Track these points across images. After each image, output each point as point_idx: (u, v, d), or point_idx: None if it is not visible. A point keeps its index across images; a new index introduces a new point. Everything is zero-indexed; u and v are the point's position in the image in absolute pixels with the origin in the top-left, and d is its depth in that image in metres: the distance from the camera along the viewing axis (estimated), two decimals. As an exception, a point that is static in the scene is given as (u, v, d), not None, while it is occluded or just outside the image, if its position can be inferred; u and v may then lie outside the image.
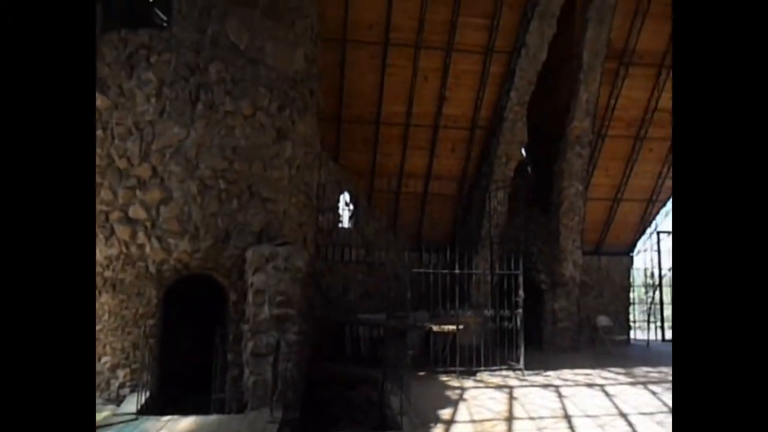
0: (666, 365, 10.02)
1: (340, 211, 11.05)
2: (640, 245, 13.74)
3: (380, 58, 10.04)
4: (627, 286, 13.42)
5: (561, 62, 10.86)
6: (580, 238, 11.69)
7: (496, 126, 10.74)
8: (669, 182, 12.80)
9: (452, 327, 8.98)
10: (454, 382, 8.21)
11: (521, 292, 9.29)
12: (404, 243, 11.23)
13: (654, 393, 7.78)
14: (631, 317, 13.75)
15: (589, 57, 10.41)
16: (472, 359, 8.94)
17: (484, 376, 8.77)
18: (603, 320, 12.20)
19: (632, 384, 8.37)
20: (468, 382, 8.25)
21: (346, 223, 11.24)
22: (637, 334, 13.98)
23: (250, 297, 6.44)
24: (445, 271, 9.16)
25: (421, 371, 8.66)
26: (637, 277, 14.85)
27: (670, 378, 8.88)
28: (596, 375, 8.99)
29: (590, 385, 8.20)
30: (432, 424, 6.03)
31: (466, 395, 7.47)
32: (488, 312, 9.51)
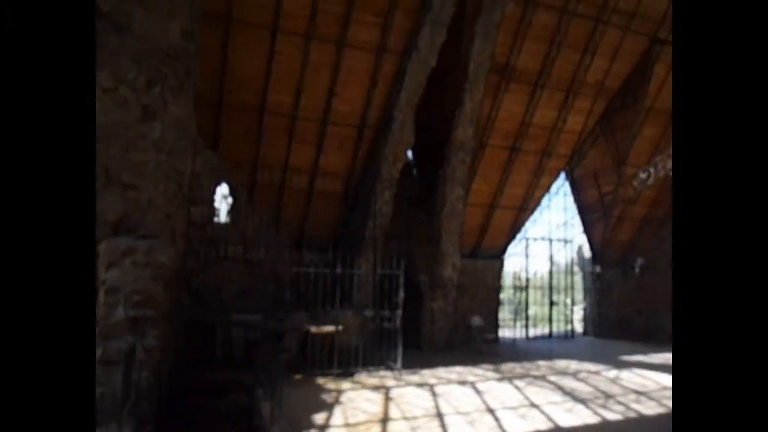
0: (529, 360, 10.80)
1: (216, 205, 10.27)
2: (510, 249, 14.73)
3: (268, 43, 9.49)
4: (498, 288, 14.29)
5: (449, 70, 11.21)
6: (459, 242, 12.18)
7: (385, 126, 10.76)
8: (538, 192, 13.88)
9: (331, 328, 8.75)
10: (331, 385, 7.99)
11: (402, 293, 9.38)
12: (286, 240, 10.78)
13: (518, 388, 8.27)
14: (500, 317, 14.69)
15: (475, 69, 10.87)
16: (351, 361, 8.80)
17: (362, 377, 8.67)
18: (476, 320, 12.84)
19: (499, 380, 8.83)
20: (345, 384, 8.09)
21: (222, 217, 10.48)
22: (505, 333, 14.97)
23: (101, 296, 5.60)
24: (327, 270, 8.93)
25: (298, 375, 8.33)
26: (506, 279, 15.97)
27: (533, 373, 9.57)
28: (468, 372, 9.36)
29: (462, 383, 8.49)
30: (305, 431, 5.75)
31: (343, 398, 7.29)
32: (369, 312, 9.45)
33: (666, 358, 11.82)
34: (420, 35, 10.05)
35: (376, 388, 7.98)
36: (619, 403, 7.50)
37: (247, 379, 6.91)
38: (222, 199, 10.39)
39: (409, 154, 12.32)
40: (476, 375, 9.18)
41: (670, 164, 11.81)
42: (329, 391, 7.62)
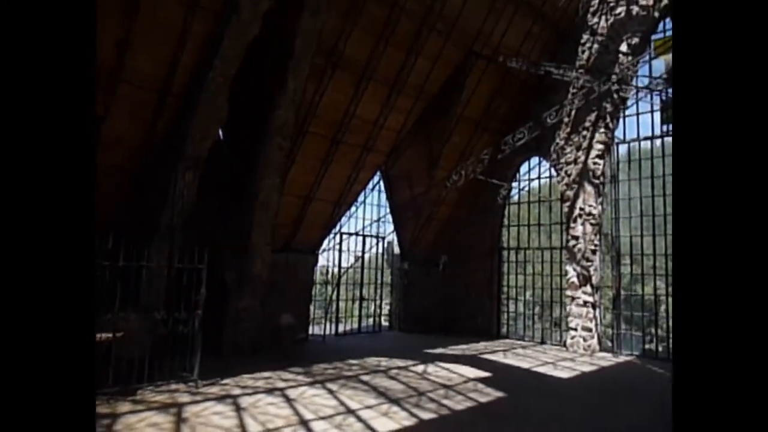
0: (339, 360, 10.37)
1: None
2: (324, 244, 14.25)
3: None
4: (311, 284, 13.66)
5: (273, 44, 10.13)
6: (271, 234, 11.17)
7: (194, 96, 9.15)
8: (357, 186, 13.67)
9: (108, 335, 6.96)
10: (104, 408, 6.27)
11: (203, 290, 8.00)
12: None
13: (332, 391, 7.68)
14: (311, 314, 14.10)
15: (302, 46, 10.01)
16: (133, 375, 7.12)
17: (147, 394, 7.08)
18: (286, 318, 11.97)
19: (311, 384, 8.14)
20: (124, 406, 6.44)
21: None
22: (315, 330, 14.43)
23: None
24: (107, 263, 7.08)
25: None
26: (318, 274, 15.48)
27: (345, 373, 9.13)
28: (277, 378, 8.45)
29: (271, 391, 7.56)
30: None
31: (118, 425, 5.71)
32: (159, 314, 7.82)
33: (462, 349, 12.66)
34: (242, -4, 8.78)
35: (165, 407, 6.53)
36: (431, 399, 7.47)
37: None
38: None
39: (220, 132, 10.82)
40: (286, 380, 8.33)
41: (479, 168, 12.70)
42: (100, 417, 5.92)
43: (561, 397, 8.18)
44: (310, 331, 13.84)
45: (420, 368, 9.89)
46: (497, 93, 14.73)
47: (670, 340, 12.89)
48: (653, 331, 13.30)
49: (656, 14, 12.92)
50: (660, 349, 12.79)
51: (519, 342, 14.62)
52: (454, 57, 13.02)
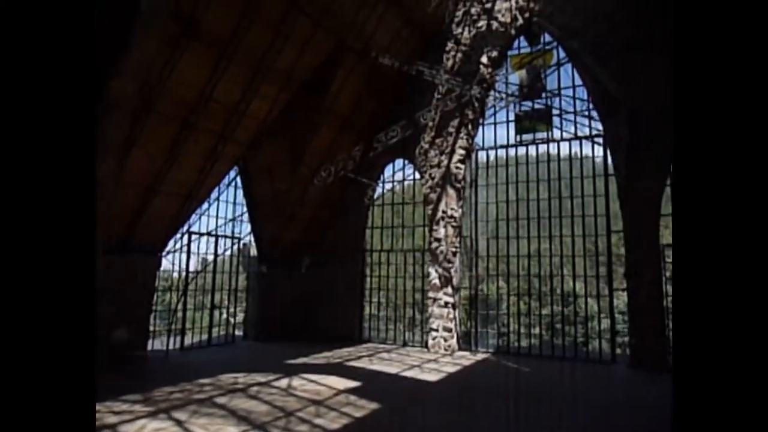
0: (187, 380, 8.86)
1: None
2: (170, 245, 12.36)
3: None
4: (152, 291, 11.70)
5: (111, -1, 8.28)
6: (105, 231, 9.16)
7: None
8: (211, 180, 12.10)
9: None
10: None
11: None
12: None
13: (180, 422, 6.33)
14: (151, 326, 12.09)
15: (151, 6, 8.34)
16: None
17: None
18: (119, 333, 9.97)
19: (153, 414, 6.65)
20: None
21: None
22: (156, 345, 12.41)
23: None
24: None
25: None
26: (162, 279, 13.42)
27: (196, 396, 7.72)
28: (107, 410, 6.76)
29: (98, 430, 5.93)
30: None
31: None
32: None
33: (326, 356, 11.92)
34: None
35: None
36: (302, 420, 6.57)
37: None
38: None
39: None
40: (119, 413, 6.69)
41: (350, 165, 12.10)
42: None
43: (435, 401, 7.91)
44: (150, 347, 11.85)
45: (284, 383, 8.89)
46: (367, 90, 14.36)
47: (519, 336, 13.78)
48: (504, 328, 14.08)
49: (512, 32, 13.77)
50: (510, 345, 13.55)
51: (382, 346, 14.36)
52: (325, 46, 12.29)
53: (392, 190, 16.09)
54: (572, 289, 14.35)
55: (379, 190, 16.15)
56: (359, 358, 12.01)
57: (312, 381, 9.04)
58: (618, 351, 12.40)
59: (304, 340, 14.49)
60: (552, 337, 13.31)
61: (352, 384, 8.86)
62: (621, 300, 14.36)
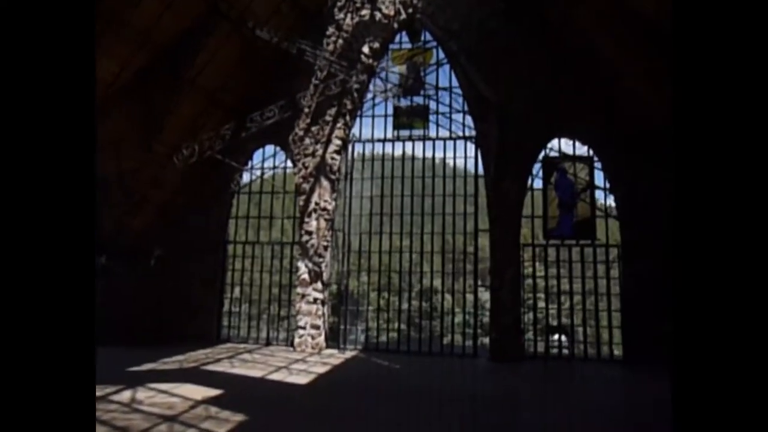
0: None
1: None
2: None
3: None
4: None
5: None
6: None
7: None
8: None
9: None
10: None
11: None
12: None
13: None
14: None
15: None
16: None
17: None
18: None
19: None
20: None
21: None
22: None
23: None
24: None
25: None
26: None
27: None
28: None
29: None
30: None
31: None
32: None
33: (179, 360, 10.52)
34: None
35: None
36: (152, 443, 5.45)
37: None
38: None
39: None
40: None
41: (218, 144, 10.77)
42: None
43: (308, 408, 7.27)
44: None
45: (126, 395, 7.46)
46: (240, 65, 13.04)
47: (387, 333, 13.72)
48: (373, 323, 13.92)
49: (395, 25, 13.63)
50: (378, 341, 13.42)
51: (243, 346, 13.21)
52: (194, 8, 10.79)
53: (261, 177, 14.94)
54: (440, 286, 14.74)
55: (246, 177, 14.89)
56: (218, 360, 10.81)
57: (162, 391, 7.74)
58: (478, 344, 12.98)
59: (153, 342, 12.68)
60: (420, 332, 13.49)
61: (212, 392, 7.78)
62: (482, 297, 15.14)
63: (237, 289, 14.84)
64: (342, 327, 13.29)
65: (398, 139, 13.84)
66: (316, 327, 12.73)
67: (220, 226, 14.51)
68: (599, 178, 12.24)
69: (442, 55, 13.60)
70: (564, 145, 12.68)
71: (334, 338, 13.39)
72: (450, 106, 13.49)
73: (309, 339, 12.66)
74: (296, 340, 12.71)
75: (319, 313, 12.81)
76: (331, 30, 13.52)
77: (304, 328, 12.75)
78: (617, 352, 12.24)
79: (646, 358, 10.72)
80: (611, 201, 12.49)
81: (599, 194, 12.45)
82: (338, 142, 13.46)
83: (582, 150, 12.53)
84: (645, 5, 8.83)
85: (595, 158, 12.33)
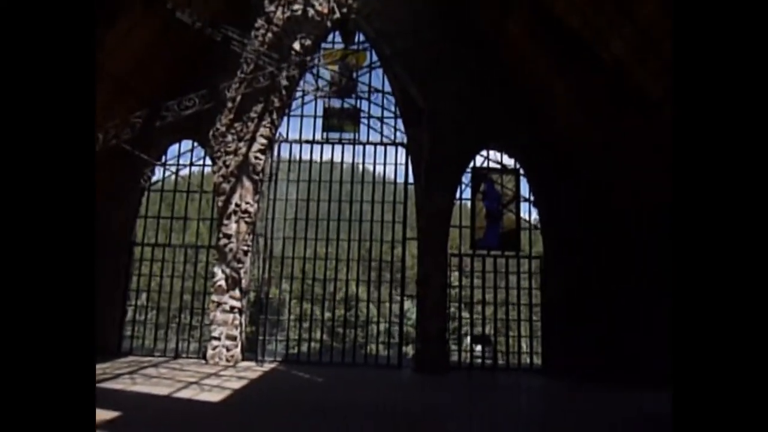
0: None
1: None
2: None
3: None
4: None
5: None
6: None
7: None
8: None
9: None
10: None
11: None
12: None
13: None
14: None
15: None
16: None
17: None
18: None
19: None
20: None
21: None
22: None
23: None
24: None
25: None
26: None
27: None
28: None
29: None
30: None
31: None
32: None
33: None
34: None
35: None
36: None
37: None
38: None
39: None
40: None
41: (126, 133, 9.62)
42: None
43: (221, 429, 6.52)
44: None
45: (-2, 422, 6.27)
46: (156, 52, 11.88)
47: (309, 343, 13.05)
48: (294, 334, 13.21)
49: (328, 24, 13.18)
50: (300, 352, 12.73)
51: (148, 359, 11.94)
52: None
53: (176, 174, 13.75)
54: (363, 294, 14.35)
55: (158, 173, 13.64)
56: (117, 377, 9.61)
57: (45, 416, 6.61)
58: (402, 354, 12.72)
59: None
60: (344, 342, 12.98)
61: (106, 415, 6.75)
62: (407, 306, 14.93)
63: (143, 296, 13.48)
64: (260, 338, 12.45)
65: (327, 141, 13.34)
66: (232, 338, 11.82)
67: (127, 225, 13.13)
68: (526, 190, 12.54)
69: (375, 57, 13.32)
70: (493, 155, 12.86)
71: (251, 350, 12.54)
72: (382, 110, 13.24)
73: (224, 351, 11.71)
74: (209, 352, 11.70)
75: (236, 322, 11.91)
76: (260, 22, 12.80)
77: (218, 338, 11.79)
78: (537, 361, 12.52)
79: (563, 367, 11.01)
80: (535, 213, 12.84)
81: (525, 206, 12.75)
82: (263, 140, 12.70)
83: (511, 161, 12.78)
84: (573, 22, 9.10)
85: (521, 171, 12.62)
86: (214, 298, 11.90)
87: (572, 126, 10.98)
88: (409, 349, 14.72)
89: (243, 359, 11.86)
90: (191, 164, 13.79)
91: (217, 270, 12.01)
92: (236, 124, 12.47)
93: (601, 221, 11.29)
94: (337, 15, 13.10)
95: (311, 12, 12.98)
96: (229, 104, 12.35)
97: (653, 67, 7.72)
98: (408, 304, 14.73)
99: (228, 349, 11.74)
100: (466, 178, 12.54)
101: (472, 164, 12.55)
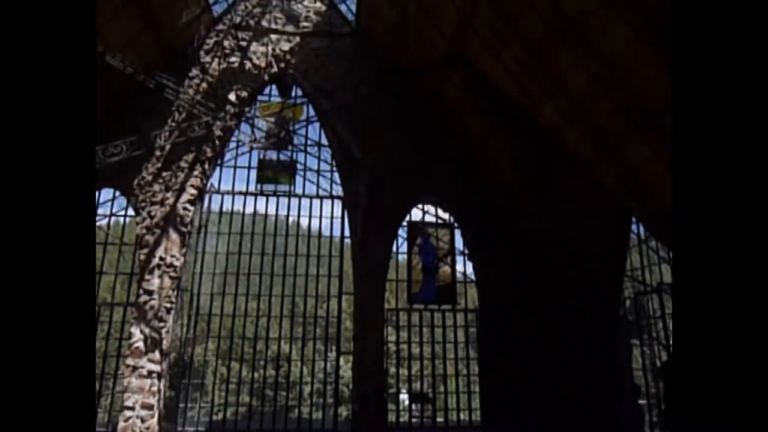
0: None
1: None
2: None
3: None
4: None
5: None
6: None
7: None
8: None
9: None
10: None
11: None
12: None
13: None
14: None
15: None
16: None
17: None
18: None
19: None
20: None
21: None
22: None
23: None
24: None
25: None
26: None
27: None
28: None
29: None
30: None
31: None
32: None
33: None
34: None
35: None
36: None
37: None
38: None
39: None
40: None
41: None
42: None
43: None
44: None
45: None
46: (78, 94, 11.19)
47: (237, 409, 12.02)
48: (221, 400, 12.15)
49: (266, 77, 13.23)
50: (226, 418, 11.68)
51: (44, 435, 10.40)
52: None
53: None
54: (294, 353, 13.63)
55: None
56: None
57: None
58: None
59: None
60: (275, 406, 12.10)
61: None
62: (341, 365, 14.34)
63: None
64: (181, 405, 11.32)
65: (261, 193, 13.01)
66: (149, 407, 10.62)
67: (29, 281, 11.77)
68: (461, 243, 12.78)
69: (312, 112, 13.43)
70: (429, 209, 13.10)
71: (170, 419, 11.32)
72: (318, 162, 13.21)
73: (138, 422, 10.46)
74: (120, 424, 10.40)
75: (154, 389, 10.76)
76: (195, 71, 12.59)
77: (132, 408, 10.54)
78: (476, 417, 12.32)
79: (503, 425, 10.87)
80: (470, 267, 13.06)
81: (460, 260, 12.95)
82: (193, 191, 12.13)
83: (446, 215, 13.06)
84: (509, 90, 9.71)
85: (456, 225, 12.91)
86: (130, 361, 10.75)
87: (507, 183, 11.48)
88: (343, 410, 13.99)
89: (160, 431, 10.65)
90: (111, 215, 12.82)
91: (135, 330, 10.94)
92: (164, 174, 11.87)
93: (537, 275, 11.66)
94: (275, 69, 13.20)
95: (248, 65, 12.99)
96: (158, 152, 11.79)
97: (583, 131, 8.33)
98: (342, 362, 14.15)
99: (143, 420, 10.51)
100: (403, 232, 12.61)
101: (408, 218, 12.69)
